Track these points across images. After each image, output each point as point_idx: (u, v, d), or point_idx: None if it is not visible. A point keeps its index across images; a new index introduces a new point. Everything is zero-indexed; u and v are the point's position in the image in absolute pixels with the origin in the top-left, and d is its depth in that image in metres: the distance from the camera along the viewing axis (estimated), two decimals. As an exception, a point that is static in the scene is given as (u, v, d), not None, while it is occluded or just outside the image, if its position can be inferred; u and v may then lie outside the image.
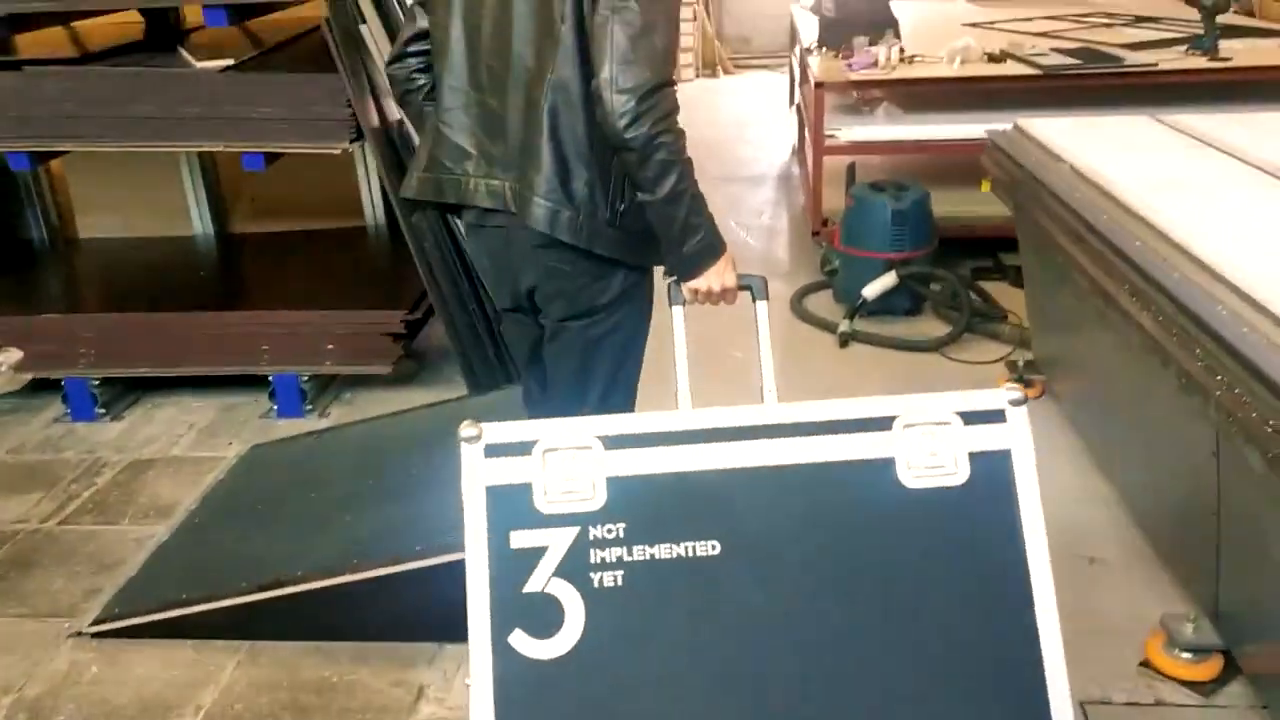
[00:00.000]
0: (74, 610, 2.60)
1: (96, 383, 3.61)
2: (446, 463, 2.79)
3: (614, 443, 1.30)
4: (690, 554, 1.27)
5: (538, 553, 1.28)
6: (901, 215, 3.61)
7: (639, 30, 1.69)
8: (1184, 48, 4.00)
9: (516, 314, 2.08)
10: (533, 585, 1.27)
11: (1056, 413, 2.83)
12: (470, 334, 3.48)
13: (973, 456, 1.30)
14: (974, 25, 4.95)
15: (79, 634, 2.50)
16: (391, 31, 3.44)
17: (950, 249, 3.88)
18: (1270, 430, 1.35)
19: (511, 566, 1.27)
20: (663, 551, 1.27)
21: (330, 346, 3.57)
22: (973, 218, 3.97)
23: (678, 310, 1.77)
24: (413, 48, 2.02)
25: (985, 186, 2.98)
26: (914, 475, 1.29)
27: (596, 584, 1.26)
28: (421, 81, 2.03)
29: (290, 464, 3.17)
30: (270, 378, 3.62)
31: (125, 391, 3.75)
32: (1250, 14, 4.96)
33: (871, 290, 3.55)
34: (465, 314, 3.45)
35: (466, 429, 1.34)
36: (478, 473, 1.32)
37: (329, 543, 2.54)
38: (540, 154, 1.81)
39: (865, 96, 4.19)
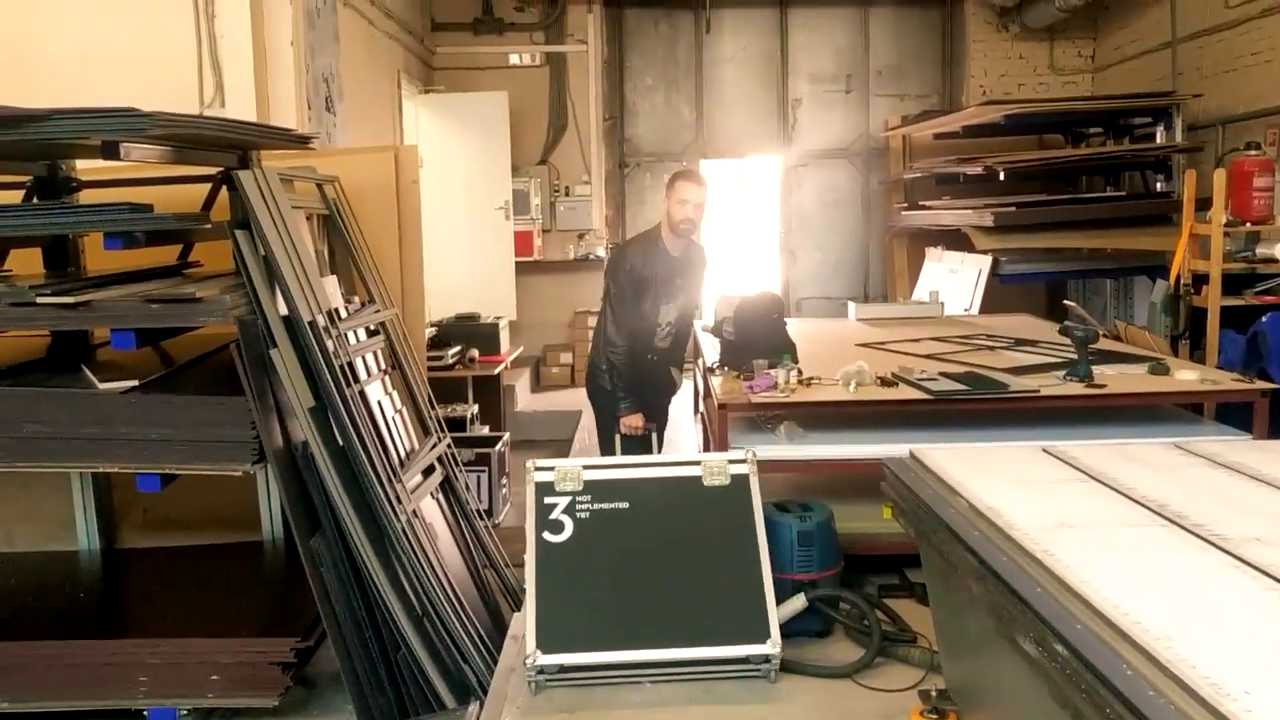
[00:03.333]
0: None
1: (-54, 722, 3.32)
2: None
3: (588, 468, 2.93)
4: (617, 507, 2.86)
5: (555, 505, 2.86)
6: (808, 536, 3.61)
7: (606, 312, 4.92)
8: (1062, 373, 4.25)
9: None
10: (553, 516, 2.84)
11: (973, 746, 2.75)
12: (366, 663, 3.32)
13: (732, 475, 2.98)
14: (865, 346, 5.23)
15: None
16: (300, 353, 3.49)
17: (856, 565, 3.88)
18: (1190, 808, 1.32)
19: (544, 509, 2.85)
20: (605, 506, 2.86)
21: (214, 677, 3.37)
22: (877, 534, 4.01)
23: (618, 437, 4.82)
24: None
25: (886, 513, 3.03)
26: (706, 480, 2.96)
27: (579, 517, 2.84)
28: None
29: (157, 817, 2.90)
30: (145, 711, 3.37)
31: (-20, 729, 3.45)
32: (1118, 339, 5.35)
33: (782, 613, 3.50)
34: (361, 642, 3.31)
35: (529, 462, 2.92)
36: (532, 476, 2.89)
37: None
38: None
39: (767, 416, 4.32)
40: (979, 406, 4.12)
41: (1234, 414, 4.48)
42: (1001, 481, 2.60)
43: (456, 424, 6.43)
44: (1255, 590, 1.86)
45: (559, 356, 10.31)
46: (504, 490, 6.35)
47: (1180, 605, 1.78)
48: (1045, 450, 3.01)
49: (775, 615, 2.86)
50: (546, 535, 2.84)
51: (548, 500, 2.89)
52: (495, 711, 2.73)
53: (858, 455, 4.02)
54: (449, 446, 4.53)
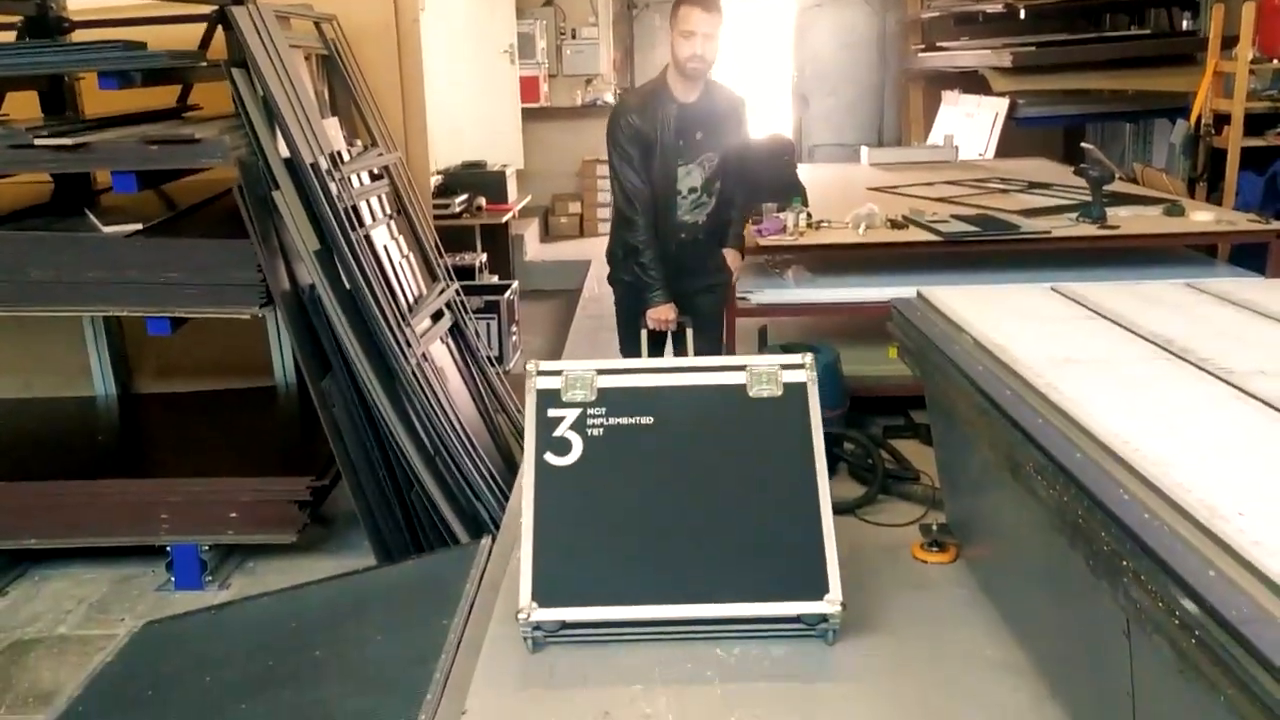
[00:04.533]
0: (-65, 818, 2.40)
1: (-22, 556, 3.44)
2: (352, 643, 2.68)
3: (602, 372, 2.43)
4: (638, 422, 2.37)
5: (560, 419, 2.37)
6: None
7: (614, 188, 3.72)
8: (1075, 215, 4.19)
9: None
10: (558, 433, 2.36)
11: (970, 577, 2.82)
12: (379, 501, 3.40)
13: (786, 384, 2.44)
14: (877, 190, 5.15)
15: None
16: (303, 195, 3.45)
17: (862, 407, 3.92)
18: (1177, 623, 1.35)
19: (547, 424, 2.37)
20: (624, 420, 2.37)
21: (233, 515, 3.46)
22: (883, 377, 4.03)
23: (644, 331, 3.63)
24: None
25: (892, 353, 3.03)
26: (752, 390, 2.43)
27: (589, 434, 2.36)
28: None
29: (185, 644, 3.01)
30: (169, 548, 3.48)
31: (9, 564, 3.57)
32: (1134, 181, 5.25)
33: (786, 452, 3.55)
34: (374, 480, 3.38)
35: (530, 364, 2.44)
36: (533, 383, 2.42)
37: (221, 735, 2.40)
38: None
39: (775, 260, 4.29)
40: (990, 248, 4.08)
41: (1249, 256, 4.43)
42: (1008, 318, 2.60)
43: (465, 272, 6.41)
44: (1257, 420, 1.87)
45: (567, 206, 10.21)
46: (514, 338, 6.38)
47: (1181, 434, 1.80)
48: (1054, 289, 3.00)
49: (836, 565, 2.26)
50: (549, 457, 2.34)
51: (552, 413, 2.37)
52: (506, 547, 2.80)
53: (866, 299, 4.00)
54: (457, 293, 4.53)
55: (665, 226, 3.74)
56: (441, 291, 4.34)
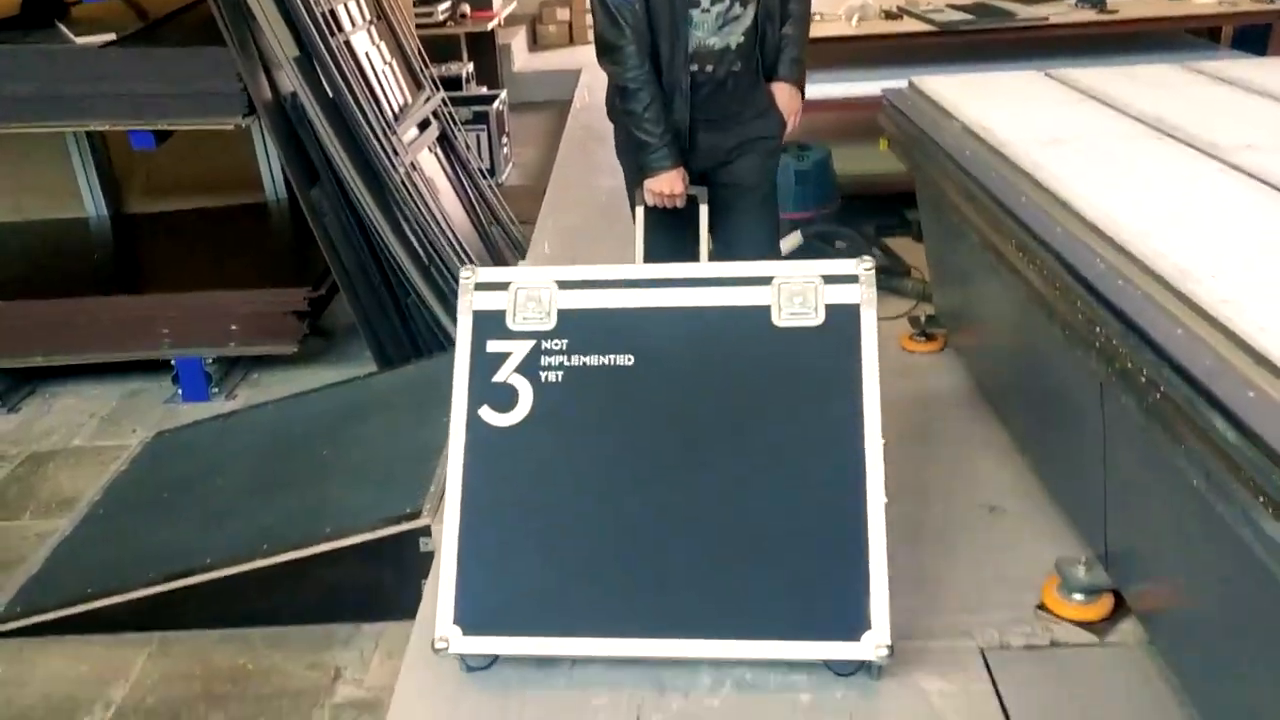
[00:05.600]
0: (-27, 611, 2.53)
1: (-12, 374, 3.50)
2: (355, 443, 2.77)
3: (564, 285, 1.78)
4: (611, 363, 1.73)
5: (504, 356, 1.74)
6: (804, 175, 3.64)
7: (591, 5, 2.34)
8: (1073, 1, 4.08)
9: None
10: (499, 377, 1.74)
11: (957, 363, 2.89)
12: (376, 309, 3.44)
13: (829, 307, 1.72)
14: (872, -18, 4.98)
15: (-21, 635, 2.44)
16: (280, 0, 3.35)
17: (855, 207, 3.91)
18: (1145, 379, 1.40)
19: (486, 364, 1.74)
20: (592, 360, 1.73)
21: (234, 327, 3.50)
22: (876, 174, 4.00)
23: (640, 209, 2.35)
24: None
25: (883, 145, 3.01)
26: (780, 316, 1.73)
27: (543, 379, 1.73)
28: None
29: (196, 450, 3.11)
30: (173, 361, 3.54)
31: (20, 382, 3.64)
32: (1138, -35, 5.06)
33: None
34: (370, 289, 3.41)
35: (465, 271, 1.81)
36: (468, 301, 1.78)
37: (238, 529, 2.51)
38: None
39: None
40: (986, 37, 3.99)
41: (1252, 41, 4.33)
42: (998, 103, 2.57)
43: (452, 83, 6.24)
44: (1239, 191, 1.88)
45: (555, 14, 9.86)
46: (505, 149, 6.29)
47: (1163, 207, 1.81)
48: (1047, 74, 2.95)
49: (885, 590, 1.59)
50: (485, 414, 1.72)
51: (492, 346, 1.75)
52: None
53: (859, 94, 3.93)
54: (444, 102, 4.45)
55: (676, 56, 2.42)
56: (427, 100, 4.25)
